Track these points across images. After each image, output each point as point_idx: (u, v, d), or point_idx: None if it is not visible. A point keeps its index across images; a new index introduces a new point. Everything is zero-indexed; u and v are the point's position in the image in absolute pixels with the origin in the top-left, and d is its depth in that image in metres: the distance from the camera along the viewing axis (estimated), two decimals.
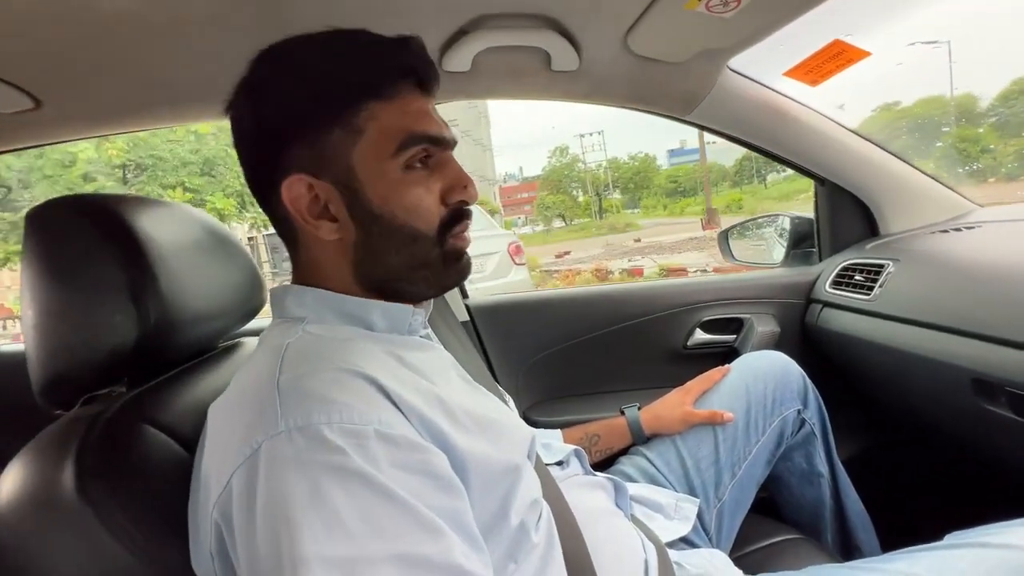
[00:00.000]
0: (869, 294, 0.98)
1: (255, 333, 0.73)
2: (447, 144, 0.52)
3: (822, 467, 0.89)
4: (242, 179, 0.53)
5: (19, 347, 1.13)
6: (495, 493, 0.46)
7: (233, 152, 0.52)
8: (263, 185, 0.50)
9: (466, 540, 0.39)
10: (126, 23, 0.62)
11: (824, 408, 0.89)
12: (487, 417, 0.50)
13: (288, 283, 0.54)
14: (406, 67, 0.50)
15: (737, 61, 0.92)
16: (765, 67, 1.00)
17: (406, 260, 0.50)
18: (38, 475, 0.41)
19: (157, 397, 0.51)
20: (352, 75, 0.48)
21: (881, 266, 0.99)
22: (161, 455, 0.46)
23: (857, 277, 1.04)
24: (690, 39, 0.79)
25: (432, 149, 0.51)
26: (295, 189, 0.48)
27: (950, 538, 0.60)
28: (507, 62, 0.82)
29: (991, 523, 0.60)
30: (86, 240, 0.49)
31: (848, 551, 0.89)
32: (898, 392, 0.98)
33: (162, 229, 0.54)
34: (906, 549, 0.62)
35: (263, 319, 0.70)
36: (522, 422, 0.60)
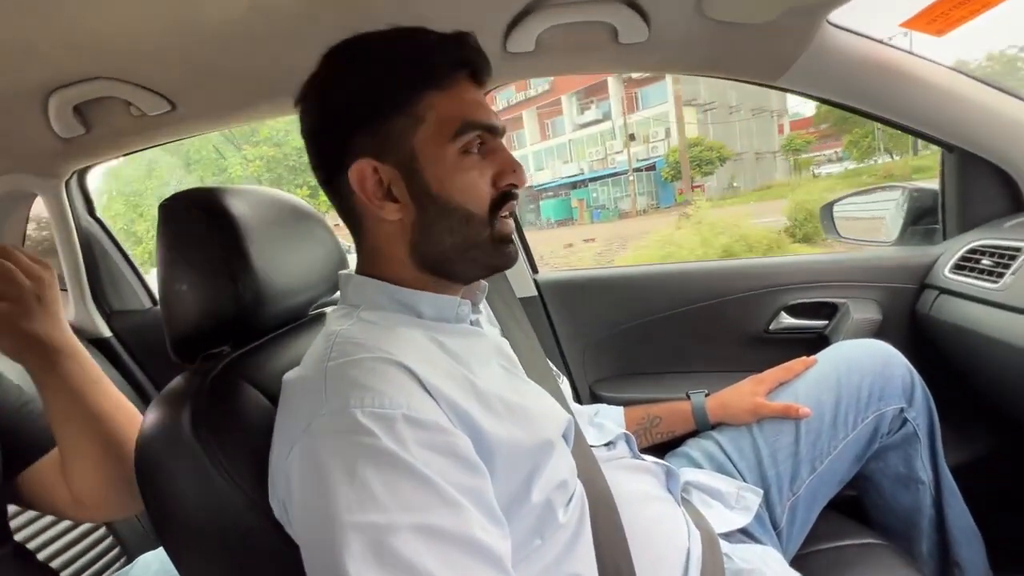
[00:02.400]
0: (998, 282, 0.84)
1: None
2: (499, 131, 0.56)
3: (923, 473, 0.80)
4: None
5: None
6: (518, 473, 0.50)
7: None
8: (331, 171, 0.56)
9: (485, 515, 0.43)
10: (230, 31, 0.72)
11: (934, 408, 0.80)
12: (519, 403, 0.53)
13: (352, 271, 0.60)
14: (461, 60, 0.54)
15: (839, 14, 0.81)
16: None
17: (459, 240, 0.54)
18: (166, 419, 0.53)
19: (254, 359, 0.61)
20: (413, 67, 0.52)
21: (1018, 249, 0.84)
22: (253, 408, 0.56)
23: (984, 261, 0.89)
24: None
25: (485, 136, 0.54)
26: (362, 171, 0.53)
27: None
28: (572, 38, 0.80)
29: None
30: (197, 227, 0.59)
31: (946, 567, 0.80)
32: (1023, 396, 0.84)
33: (255, 214, 0.63)
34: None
35: None
36: (559, 407, 0.62)
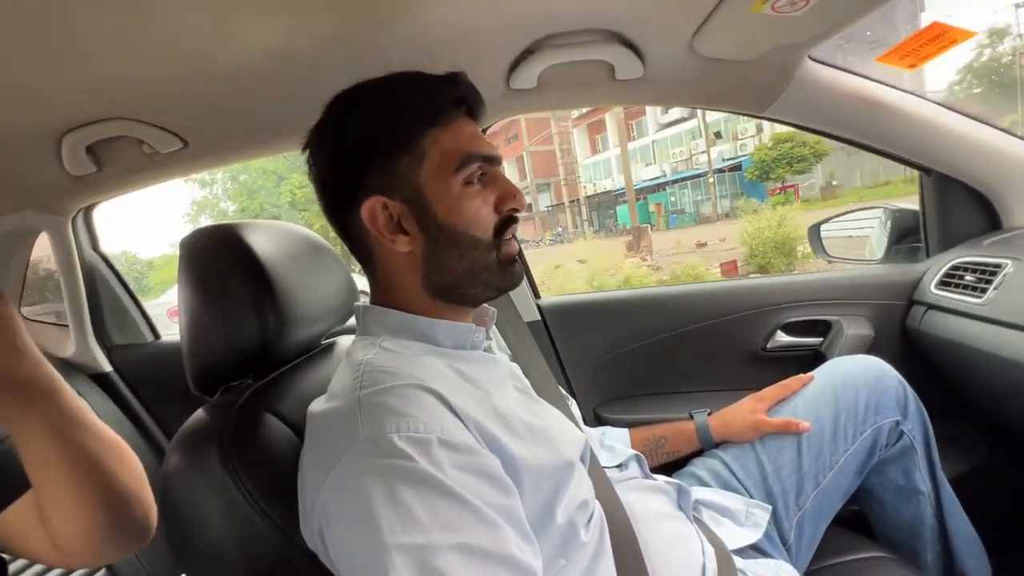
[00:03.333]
0: (982, 296, 0.88)
1: (352, 331, 0.85)
2: (496, 161, 0.60)
3: (923, 484, 0.83)
4: None
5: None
6: (542, 494, 0.51)
7: None
8: (342, 210, 0.59)
9: (519, 533, 0.45)
10: (244, 73, 0.75)
11: (928, 420, 0.83)
12: (539, 425, 0.55)
13: (367, 302, 0.62)
14: (458, 98, 0.58)
15: (820, 49, 0.87)
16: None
17: (468, 266, 0.57)
18: (194, 450, 0.54)
19: (275, 389, 0.63)
20: (413, 108, 0.56)
21: (998, 265, 0.88)
22: (279, 438, 0.57)
23: (968, 277, 0.93)
24: (761, 37, 0.76)
25: (485, 166, 0.58)
26: (373, 209, 0.56)
27: None
28: (571, 76, 0.85)
29: None
30: (221, 262, 0.61)
31: None
32: (1014, 407, 0.87)
33: (275, 249, 0.66)
34: None
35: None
36: (575, 428, 0.65)
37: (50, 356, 1.24)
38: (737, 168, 20.03)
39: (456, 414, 0.48)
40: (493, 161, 0.59)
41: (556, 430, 0.58)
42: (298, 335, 0.68)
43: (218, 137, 0.95)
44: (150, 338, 1.36)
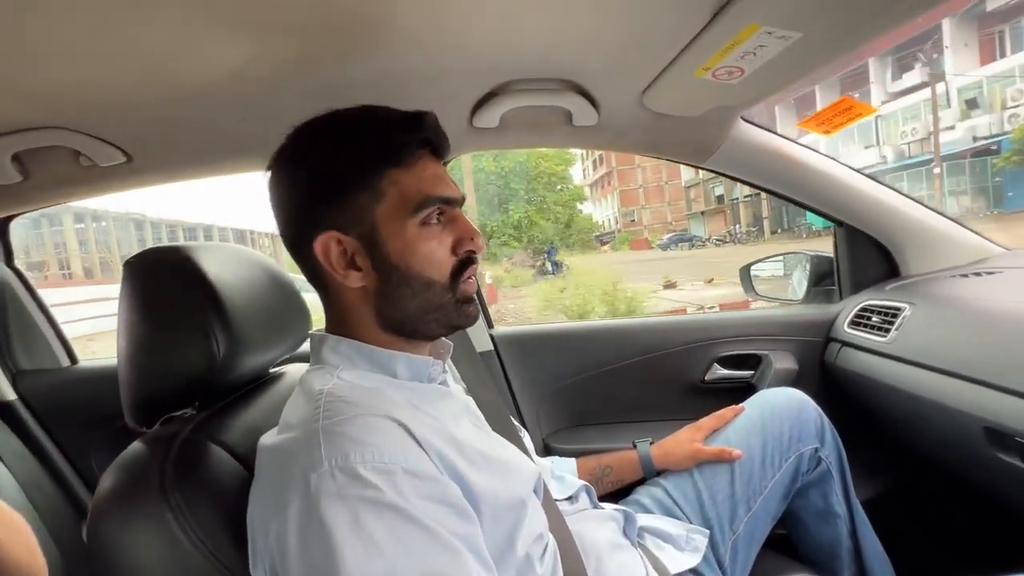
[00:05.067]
0: (886, 336, 0.99)
1: (302, 359, 0.82)
2: (457, 202, 0.60)
3: (839, 507, 0.90)
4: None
5: (103, 363, 1.27)
6: (502, 525, 0.52)
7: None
8: (298, 239, 0.58)
9: (479, 561, 0.45)
10: (200, 92, 0.73)
11: (842, 447, 0.90)
12: (497, 457, 0.56)
13: (322, 331, 0.61)
14: (422, 139, 0.58)
15: (750, 111, 0.98)
16: None
17: (421, 304, 0.57)
18: (129, 485, 0.50)
19: (221, 420, 0.60)
20: (377, 147, 0.56)
21: (899, 309, 1.01)
22: (224, 471, 0.54)
23: (874, 319, 1.05)
24: (702, 98, 0.85)
25: (444, 207, 0.58)
26: (326, 244, 0.55)
27: None
28: (531, 118, 0.90)
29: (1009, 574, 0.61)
30: (168, 285, 0.59)
31: None
32: (914, 435, 0.98)
33: (227, 272, 0.63)
34: None
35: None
36: (528, 460, 0.66)
37: None
38: (986, 152, 12.99)
39: (419, 444, 0.49)
40: (452, 203, 0.58)
41: (512, 463, 0.58)
42: (248, 363, 0.65)
43: (166, 154, 0.92)
44: (65, 363, 1.24)
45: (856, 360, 1.07)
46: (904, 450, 1.06)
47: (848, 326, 1.12)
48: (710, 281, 10.26)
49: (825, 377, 1.18)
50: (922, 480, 1.09)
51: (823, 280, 1.29)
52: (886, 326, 1.01)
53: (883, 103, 16.83)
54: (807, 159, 1.06)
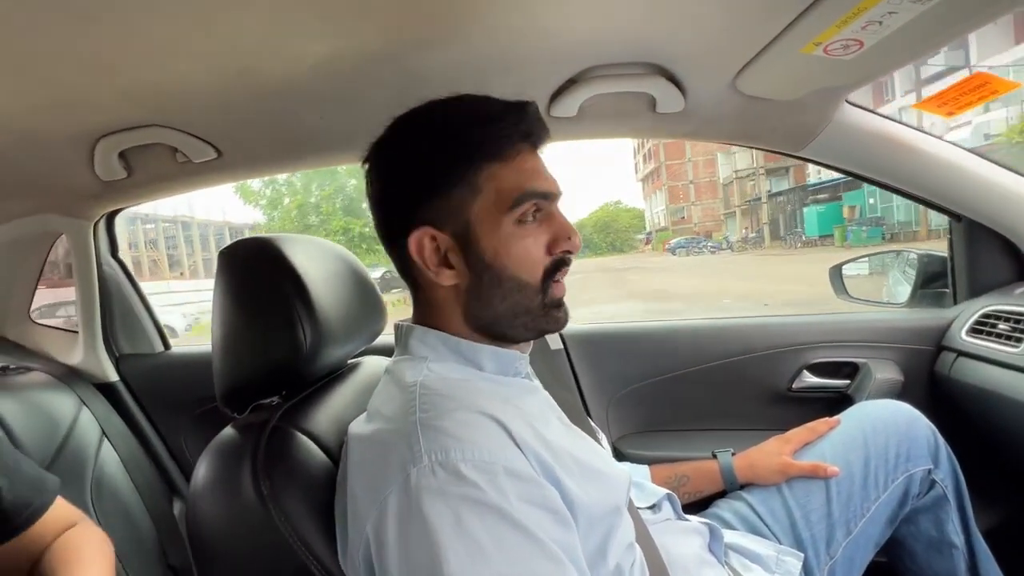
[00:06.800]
0: (1018, 346, 0.87)
1: (376, 352, 0.83)
2: (555, 197, 0.57)
3: (956, 536, 0.80)
4: None
5: (195, 349, 1.35)
6: (595, 534, 0.49)
7: None
8: (393, 235, 0.58)
9: (579, 572, 0.43)
10: (286, 87, 0.75)
11: (960, 470, 0.81)
12: (589, 463, 0.53)
13: (409, 321, 0.61)
14: (524, 132, 0.56)
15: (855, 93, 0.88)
16: None
17: (510, 306, 0.55)
18: (224, 470, 0.52)
19: (306, 409, 0.61)
20: (477, 140, 0.54)
21: None
22: (310, 460, 0.55)
23: (1001, 326, 0.92)
24: (805, 79, 0.77)
25: (541, 203, 0.55)
26: (420, 240, 0.55)
27: None
28: (612, 106, 0.85)
29: None
30: (262, 275, 0.60)
31: None
32: None
33: (314, 264, 0.64)
34: None
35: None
36: (620, 466, 0.63)
37: (56, 363, 1.23)
38: None
39: (516, 443, 0.47)
40: (550, 198, 0.56)
41: (605, 469, 0.56)
42: (330, 354, 0.66)
43: (253, 149, 0.95)
44: (160, 348, 1.33)
45: (977, 372, 0.94)
46: None
47: (967, 334, 0.99)
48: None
49: (935, 390, 1.05)
50: None
51: (933, 282, 1.16)
52: (1017, 335, 0.88)
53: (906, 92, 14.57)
54: (923, 146, 0.95)
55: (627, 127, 0.95)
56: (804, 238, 15.66)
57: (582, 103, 0.84)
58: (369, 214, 0.60)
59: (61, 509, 0.60)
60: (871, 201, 14.21)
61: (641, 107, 0.86)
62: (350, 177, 9.94)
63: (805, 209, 16.13)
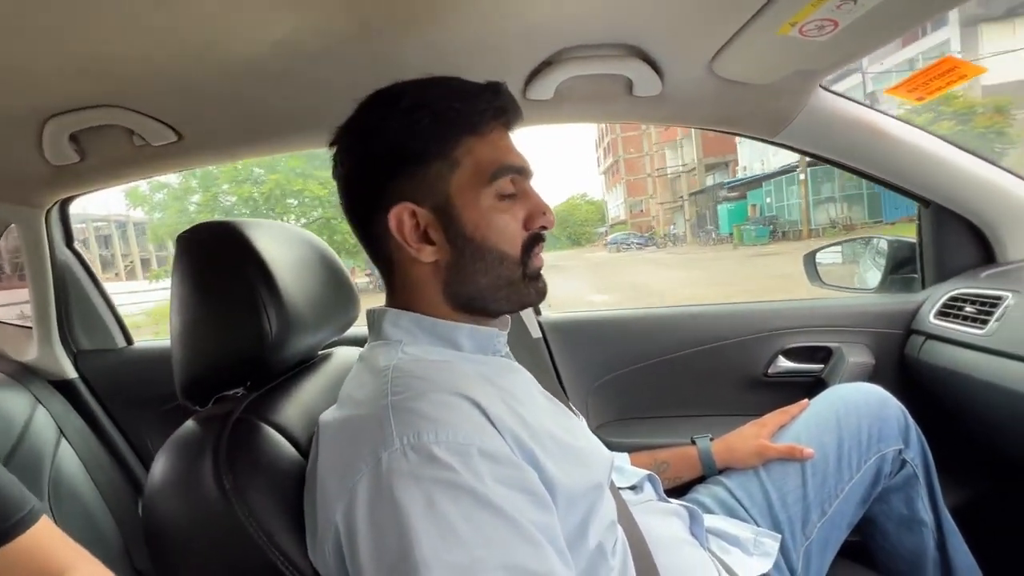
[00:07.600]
0: (983, 328, 0.89)
1: (349, 343, 0.80)
2: (529, 174, 0.58)
3: (925, 514, 0.82)
4: None
5: (159, 343, 1.30)
6: (576, 513, 0.49)
7: None
8: (367, 213, 0.56)
9: (558, 554, 0.42)
10: (250, 66, 0.71)
11: (928, 450, 0.82)
12: (570, 443, 0.52)
13: (383, 306, 0.59)
14: (499, 109, 0.56)
15: (829, 78, 0.89)
16: None
17: (493, 280, 0.55)
18: (183, 465, 0.49)
19: (272, 400, 0.58)
20: (452, 114, 0.54)
21: (999, 298, 0.90)
22: (277, 452, 0.52)
23: (968, 309, 0.94)
24: (780, 62, 0.77)
25: (517, 179, 0.56)
26: (400, 216, 0.53)
27: None
28: (588, 89, 0.84)
29: None
30: (223, 260, 0.57)
31: None
32: (1015, 437, 0.88)
33: (280, 249, 0.61)
34: None
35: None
36: (601, 445, 0.62)
37: (8, 360, 1.16)
38: None
39: (493, 424, 0.45)
40: (525, 173, 0.57)
41: (587, 448, 0.55)
42: (298, 343, 0.63)
43: (215, 132, 0.91)
44: (122, 343, 1.27)
45: (945, 354, 0.96)
46: (998, 453, 0.96)
47: (935, 317, 1.01)
48: None
49: (905, 373, 1.07)
50: (1020, 486, 0.98)
51: (902, 267, 1.18)
52: (983, 317, 0.90)
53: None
54: (894, 131, 0.96)
55: (605, 111, 0.94)
56: (715, 235, 16.23)
57: (558, 85, 0.82)
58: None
59: (47, 541, 0.54)
60: (768, 200, 14.70)
61: (618, 90, 0.85)
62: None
63: (719, 207, 16.74)
